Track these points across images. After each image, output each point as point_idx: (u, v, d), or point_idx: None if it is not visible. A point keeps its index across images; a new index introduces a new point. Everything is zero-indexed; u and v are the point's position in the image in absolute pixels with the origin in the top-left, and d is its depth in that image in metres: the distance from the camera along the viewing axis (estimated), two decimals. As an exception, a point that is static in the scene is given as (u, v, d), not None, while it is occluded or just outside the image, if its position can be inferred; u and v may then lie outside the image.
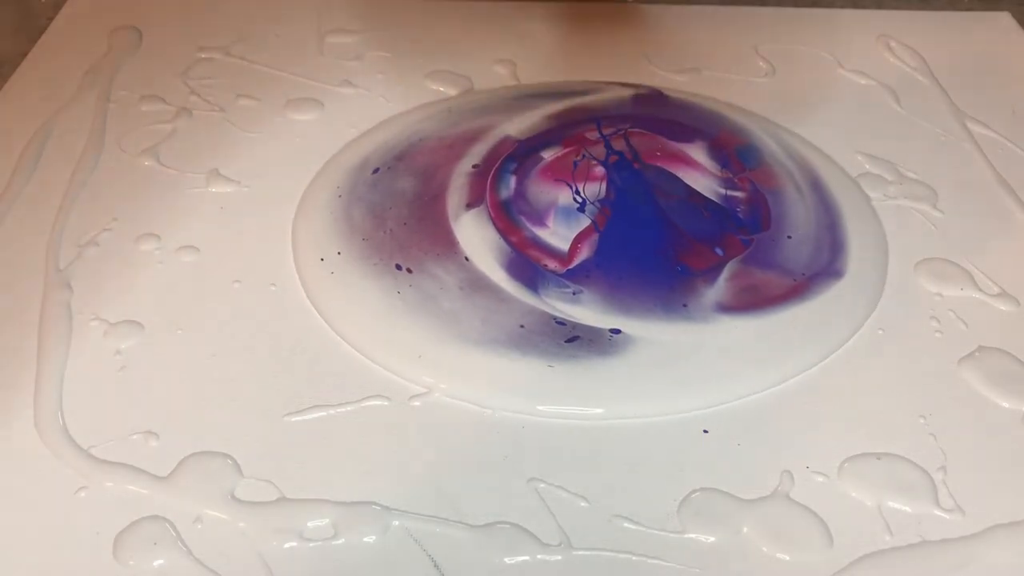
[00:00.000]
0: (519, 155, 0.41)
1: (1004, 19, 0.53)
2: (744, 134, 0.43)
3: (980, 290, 0.36)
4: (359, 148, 0.42)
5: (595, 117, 0.44)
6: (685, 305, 0.35)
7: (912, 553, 0.27)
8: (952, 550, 0.28)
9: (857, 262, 0.37)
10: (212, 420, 0.30)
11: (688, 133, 0.43)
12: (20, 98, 0.44)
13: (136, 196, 0.39)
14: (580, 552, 0.27)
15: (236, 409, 0.31)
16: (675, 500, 0.29)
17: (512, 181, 0.40)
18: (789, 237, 0.38)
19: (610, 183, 0.40)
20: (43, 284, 0.35)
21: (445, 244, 0.37)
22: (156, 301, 0.34)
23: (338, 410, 0.31)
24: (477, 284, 0.35)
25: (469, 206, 0.38)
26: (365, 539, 0.27)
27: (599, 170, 0.40)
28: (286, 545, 0.27)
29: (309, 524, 0.27)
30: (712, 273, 0.36)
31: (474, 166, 0.41)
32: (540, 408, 0.31)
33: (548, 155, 0.41)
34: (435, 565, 0.27)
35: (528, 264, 0.36)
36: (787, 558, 0.27)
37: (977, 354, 0.34)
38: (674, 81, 0.47)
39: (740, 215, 0.39)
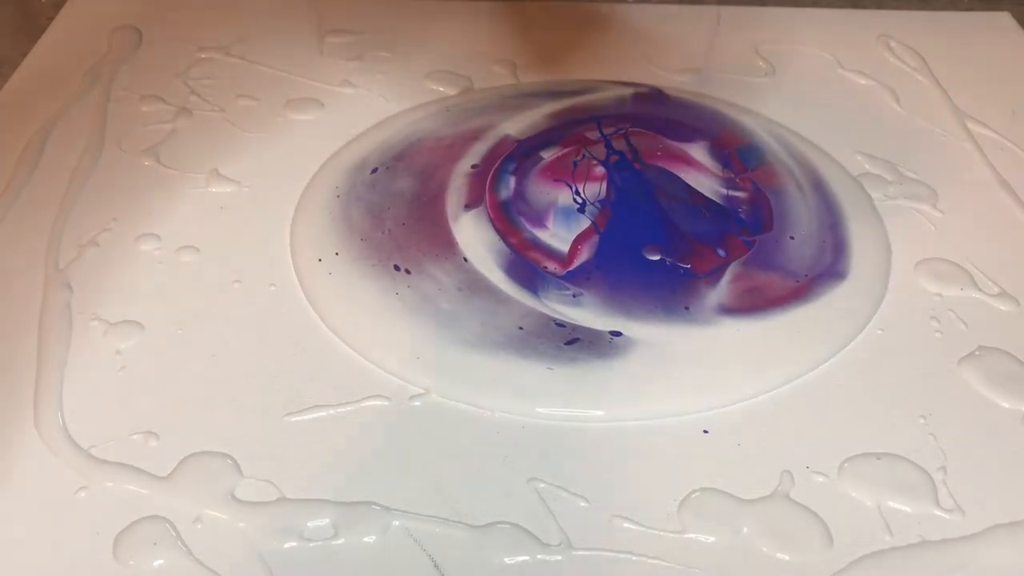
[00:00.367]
0: (518, 155, 0.41)
1: (1004, 19, 0.53)
2: (745, 133, 0.43)
3: (980, 290, 0.36)
4: (358, 148, 0.42)
5: (595, 116, 0.44)
6: (687, 307, 0.34)
7: (912, 553, 0.27)
8: (952, 550, 0.28)
9: (860, 263, 0.37)
10: (212, 420, 0.30)
11: (689, 132, 0.43)
12: (20, 98, 0.44)
13: (136, 196, 0.39)
14: (580, 552, 0.27)
15: (236, 409, 0.31)
16: (675, 500, 0.29)
17: (511, 181, 0.40)
18: (791, 238, 0.38)
19: (610, 183, 0.39)
20: (43, 284, 0.35)
21: (444, 245, 0.37)
22: (156, 301, 0.34)
23: (338, 410, 0.31)
24: (476, 285, 0.35)
25: (468, 207, 0.38)
26: (365, 539, 0.27)
27: (599, 170, 0.40)
28: (286, 545, 0.27)
29: (309, 524, 0.27)
30: (715, 275, 0.36)
31: (473, 166, 0.41)
32: (540, 410, 0.31)
33: (548, 155, 0.41)
34: (435, 565, 0.27)
35: (527, 266, 0.36)
36: (787, 558, 0.27)
37: (977, 354, 0.34)
38: (674, 81, 0.47)
39: (742, 216, 0.39)
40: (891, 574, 0.27)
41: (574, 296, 0.35)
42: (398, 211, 0.38)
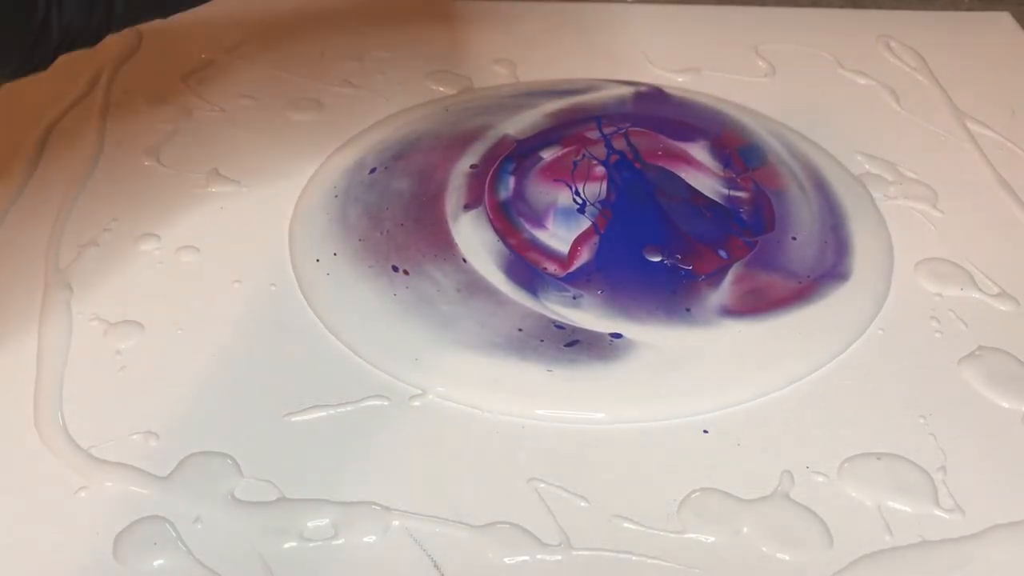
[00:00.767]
0: (518, 155, 0.41)
1: (1004, 19, 0.53)
2: (747, 133, 0.43)
3: (980, 290, 0.36)
4: (356, 147, 0.42)
5: (595, 116, 0.44)
6: (688, 309, 0.34)
7: (912, 553, 0.27)
8: (952, 550, 0.28)
9: (862, 264, 0.37)
10: (212, 420, 0.30)
11: (690, 132, 0.43)
12: (20, 98, 0.44)
13: (136, 196, 0.39)
14: (580, 552, 0.27)
15: (236, 409, 0.31)
16: (675, 500, 0.28)
17: (511, 181, 0.40)
18: (794, 238, 0.38)
19: (611, 183, 0.39)
20: (43, 284, 0.35)
21: (442, 246, 0.37)
22: (156, 301, 0.34)
23: (338, 410, 0.31)
24: (475, 287, 0.35)
25: (467, 207, 0.38)
26: (365, 539, 0.27)
27: (599, 170, 0.40)
28: (286, 545, 0.27)
29: (309, 524, 0.27)
30: (716, 276, 0.36)
31: (472, 166, 0.41)
32: (539, 412, 0.31)
33: (547, 155, 0.41)
34: (435, 565, 0.27)
35: (527, 267, 0.36)
36: (787, 558, 0.27)
37: (977, 354, 0.34)
38: (674, 81, 0.47)
39: (743, 216, 0.39)
40: (891, 574, 0.27)
41: (574, 298, 0.35)
42: (396, 211, 0.38)
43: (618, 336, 0.33)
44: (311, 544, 0.27)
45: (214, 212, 0.38)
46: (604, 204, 0.38)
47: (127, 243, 0.36)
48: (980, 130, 0.44)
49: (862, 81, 0.48)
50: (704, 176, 0.40)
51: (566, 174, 0.40)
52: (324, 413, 0.31)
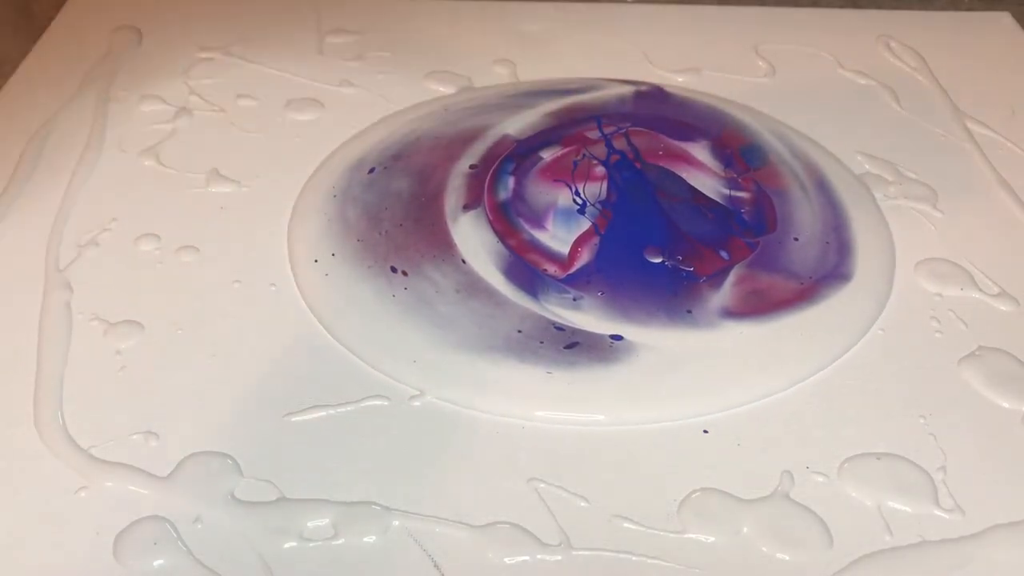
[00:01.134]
0: (518, 155, 0.41)
1: (1004, 19, 0.53)
2: (748, 132, 0.43)
3: (980, 290, 0.36)
4: (355, 147, 0.42)
5: (595, 115, 0.44)
6: (690, 311, 0.34)
7: (912, 553, 0.27)
8: (952, 550, 0.28)
9: (864, 264, 0.37)
10: (212, 420, 0.30)
11: (691, 132, 0.43)
12: (20, 98, 0.44)
13: (136, 196, 0.39)
14: (580, 552, 0.27)
15: (236, 409, 0.31)
16: (675, 500, 0.28)
17: (510, 182, 0.40)
18: (795, 239, 0.38)
19: (611, 184, 0.39)
20: (43, 284, 0.35)
21: (442, 246, 0.37)
22: (156, 301, 0.34)
23: (338, 410, 0.31)
24: (474, 288, 0.35)
25: (467, 207, 0.38)
26: (365, 539, 0.27)
27: (600, 170, 0.40)
28: (286, 545, 0.27)
29: (309, 524, 0.27)
30: (717, 277, 0.36)
31: (472, 166, 0.40)
32: (539, 414, 0.31)
33: (547, 155, 0.41)
34: (435, 565, 0.27)
35: (527, 268, 0.36)
36: (787, 558, 0.27)
37: (977, 354, 0.33)
38: (674, 81, 0.47)
39: (745, 216, 0.38)
40: (891, 574, 0.27)
41: (574, 299, 0.35)
42: (395, 212, 0.38)
43: (619, 338, 0.33)
44: (311, 544, 0.27)
45: (214, 212, 0.38)
46: (604, 204, 0.38)
47: (127, 243, 0.36)
48: (980, 130, 0.44)
49: (862, 81, 0.48)
50: (705, 176, 0.40)
51: (566, 174, 0.40)
52: (324, 413, 0.31)
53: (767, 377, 0.32)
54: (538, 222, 0.38)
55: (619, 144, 0.42)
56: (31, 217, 0.37)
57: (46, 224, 0.37)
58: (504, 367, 0.32)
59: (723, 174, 0.41)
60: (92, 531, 0.27)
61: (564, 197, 0.39)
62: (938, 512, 0.28)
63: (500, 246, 0.37)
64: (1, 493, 0.28)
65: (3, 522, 0.27)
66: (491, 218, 0.38)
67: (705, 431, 0.31)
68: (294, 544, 0.27)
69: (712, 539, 0.28)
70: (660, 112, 0.44)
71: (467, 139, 0.42)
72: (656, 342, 0.33)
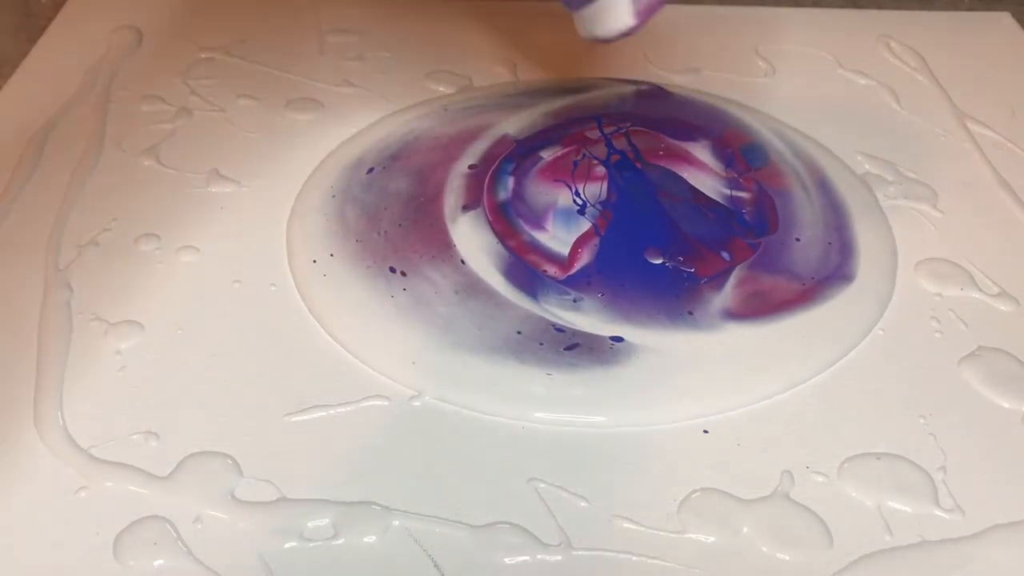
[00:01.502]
0: (517, 155, 0.41)
1: (1004, 19, 0.53)
2: (749, 132, 0.43)
3: (980, 290, 0.36)
4: (354, 147, 0.42)
5: (596, 115, 0.44)
6: (691, 312, 0.34)
7: (912, 553, 0.27)
8: (952, 550, 0.28)
9: (867, 265, 0.37)
10: (212, 420, 0.30)
11: (692, 131, 0.43)
12: (20, 98, 0.44)
13: (136, 196, 0.39)
14: (580, 552, 0.27)
15: (236, 409, 0.31)
16: (675, 500, 0.28)
17: (510, 182, 0.40)
18: (797, 240, 0.38)
19: (611, 184, 0.39)
20: (43, 284, 0.35)
21: (441, 247, 0.37)
22: (156, 301, 0.34)
23: (338, 410, 0.31)
24: (473, 289, 0.35)
25: (466, 208, 0.38)
26: (365, 539, 0.27)
27: (600, 170, 0.40)
28: (286, 545, 0.27)
29: (309, 524, 0.27)
30: (719, 279, 0.36)
31: (471, 166, 0.40)
32: (539, 415, 0.31)
33: (547, 155, 0.41)
34: (435, 565, 0.27)
35: (526, 269, 0.36)
36: (787, 558, 0.27)
37: (977, 354, 0.33)
38: (674, 81, 0.47)
39: (746, 217, 0.38)
40: (891, 574, 0.27)
41: (574, 300, 0.34)
42: (394, 212, 0.38)
43: (619, 340, 0.33)
44: (311, 544, 0.27)
45: (214, 212, 0.38)
46: (605, 205, 0.38)
47: (127, 243, 0.36)
48: (980, 130, 0.44)
49: (862, 81, 0.48)
50: (706, 176, 0.40)
51: (566, 174, 0.40)
52: (324, 413, 0.31)
53: (768, 378, 0.32)
54: (538, 222, 0.38)
55: (619, 144, 0.42)
56: (31, 217, 0.37)
57: (46, 224, 0.37)
58: (504, 368, 0.32)
59: (724, 174, 0.41)
60: (92, 531, 0.27)
61: (564, 197, 0.39)
62: (938, 512, 0.29)
63: (500, 247, 0.37)
64: (1, 493, 0.28)
65: (3, 522, 0.27)
66: (490, 218, 0.38)
67: (705, 431, 0.31)
68: (294, 544, 0.27)
69: (712, 539, 0.28)
70: (661, 111, 0.44)
71: (466, 139, 0.42)
72: (657, 344, 0.33)
